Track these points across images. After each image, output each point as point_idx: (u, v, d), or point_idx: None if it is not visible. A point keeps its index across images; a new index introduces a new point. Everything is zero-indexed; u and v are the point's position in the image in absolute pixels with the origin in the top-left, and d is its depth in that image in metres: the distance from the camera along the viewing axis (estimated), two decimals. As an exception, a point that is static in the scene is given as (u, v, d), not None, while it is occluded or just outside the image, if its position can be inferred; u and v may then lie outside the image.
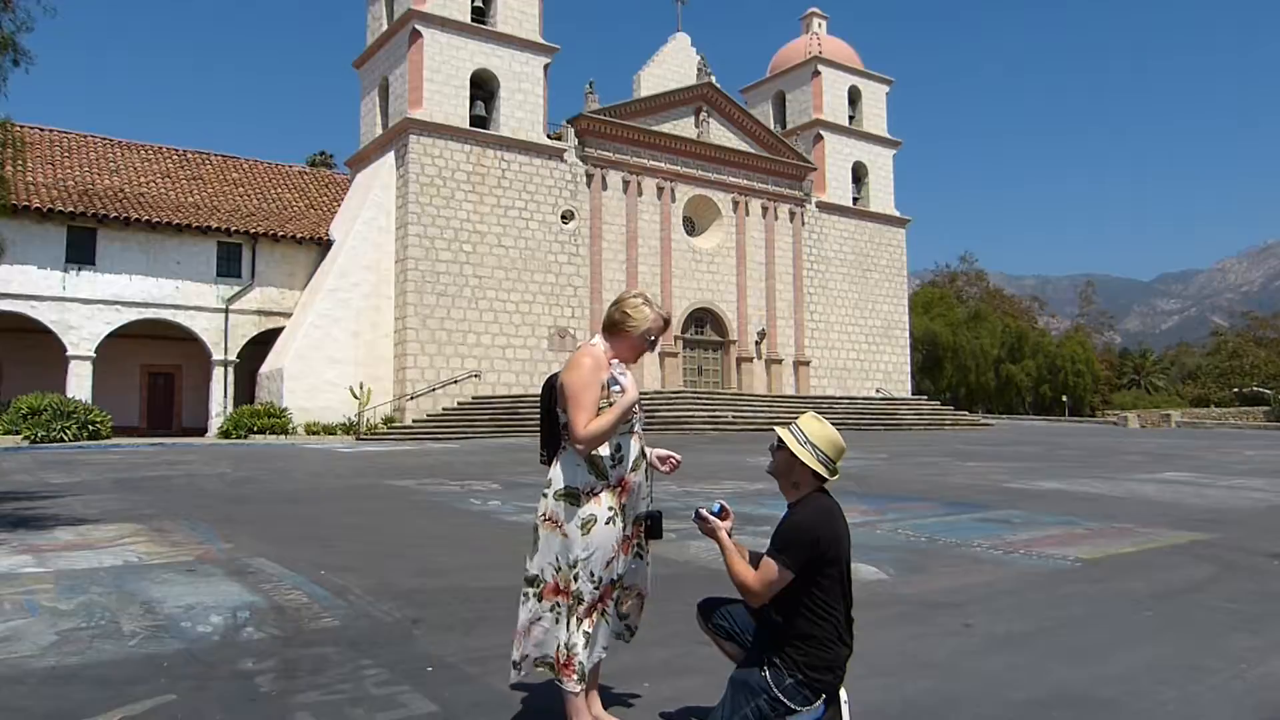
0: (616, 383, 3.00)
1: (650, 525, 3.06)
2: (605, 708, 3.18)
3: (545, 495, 3.02)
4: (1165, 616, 4.90)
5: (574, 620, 2.91)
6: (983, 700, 3.54)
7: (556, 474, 3.01)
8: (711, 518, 3.03)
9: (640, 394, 3.12)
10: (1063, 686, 3.70)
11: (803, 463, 2.94)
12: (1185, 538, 7.61)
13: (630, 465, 3.02)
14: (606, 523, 2.93)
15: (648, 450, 3.18)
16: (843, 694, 2.93)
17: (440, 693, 3.56)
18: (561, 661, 2.90)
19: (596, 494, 2.95)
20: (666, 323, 3.19)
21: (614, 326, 3.10)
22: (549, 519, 2.98)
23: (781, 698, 2.80)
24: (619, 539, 2.97)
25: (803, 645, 2.84)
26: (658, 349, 27.29)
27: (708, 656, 3.52)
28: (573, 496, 2.95)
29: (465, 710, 3.38)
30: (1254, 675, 3.88)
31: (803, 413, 3.09)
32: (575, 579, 2.91)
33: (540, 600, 2.98)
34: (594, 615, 2.94)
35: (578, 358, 3.02)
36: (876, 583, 5.76)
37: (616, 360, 3.09)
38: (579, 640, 2.90)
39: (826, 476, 2.96)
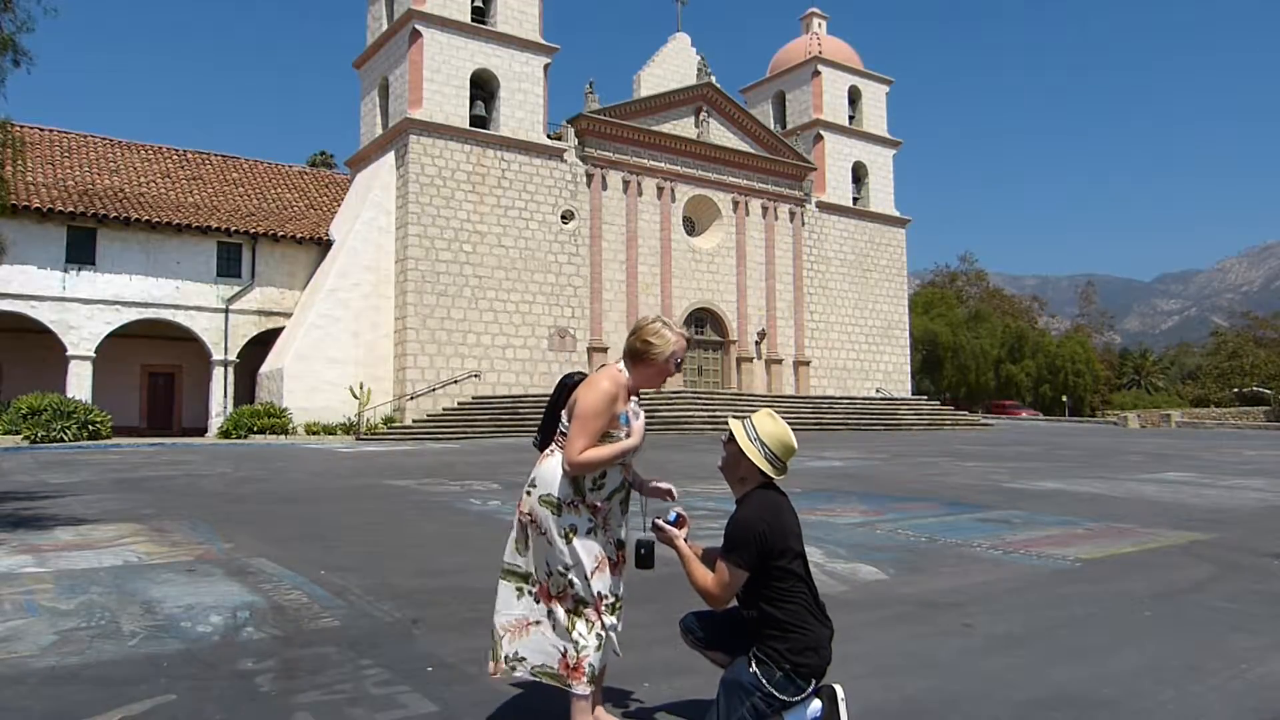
0: (628, 421, 2.95)
1: (642, 555, 3.00)
2: (605, 708, 3.18)
3: (529, 493, 2.99)
4: (1165, 616, 4.90)
5: (584, 623, 2.89)
6: (983, 700, 3.54)
7: (542, 475, 2.98)
8: (668, 527, 3.04)
9: (641, 391, 3.09)
10: (1063, 686, 3.70)
11: (749, 458, 2.93)
12: (1185, 538, 7.60)
13: (608, 493, 3.00)
14: (587, 533, 2.93)
15: (649, 483, 3.15)
16: (841, 693, 2.92)
17: (440, 693, 3.56)
18: (571, 665, 2.87)
19: (576, 506, 2.94)
20: (688, 343, 3.16)
21: (637, 356, 3.01)
22: (533, 520, 2.97)
23: (774, 692, 2.81)
24: (600, 550, 2.95)
25: (781, 633, 2.85)
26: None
27: (708, 656, 3.52)
28: (554, 505, 2.92)
29: (465, 710, 3.38)
30: (1254, 675, 3.88)
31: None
32: (571, 584, 2.90)
33: (538, 602, 2.96)
34: (603, 616, 2.92)
35: (599, 379, 2.94)
36: (876, 583, 5.76)
37: (635, 396, 3.04)
38: (592, 642, 2.88)
39: (772, 475, 2.95)
